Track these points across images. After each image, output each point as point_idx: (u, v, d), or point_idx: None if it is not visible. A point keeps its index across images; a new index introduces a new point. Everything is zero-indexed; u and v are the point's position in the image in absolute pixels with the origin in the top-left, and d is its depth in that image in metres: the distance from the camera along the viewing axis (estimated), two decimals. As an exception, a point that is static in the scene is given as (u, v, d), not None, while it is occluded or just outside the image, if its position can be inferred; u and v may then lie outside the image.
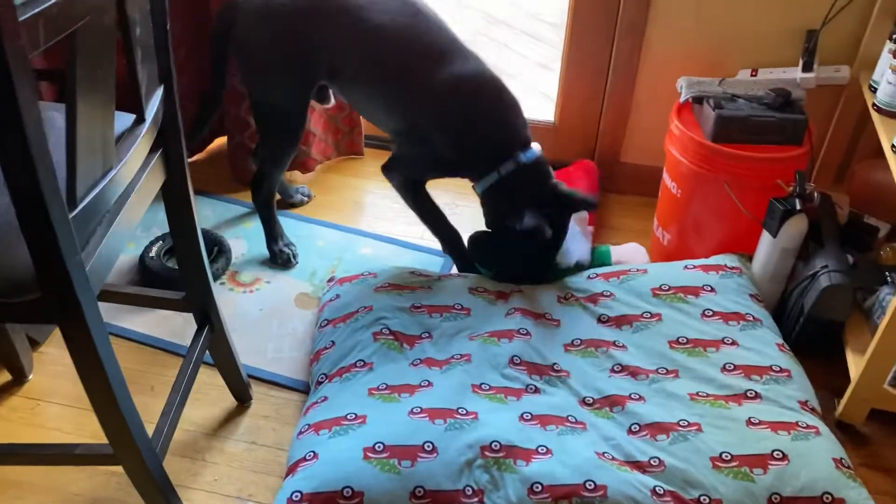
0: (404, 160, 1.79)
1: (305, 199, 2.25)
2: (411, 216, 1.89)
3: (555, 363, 1.58)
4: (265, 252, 2.02)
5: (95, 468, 1.47)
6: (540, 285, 1.79)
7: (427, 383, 1.51)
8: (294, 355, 1.74)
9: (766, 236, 1.74)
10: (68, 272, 0.89)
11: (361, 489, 1.30)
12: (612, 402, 1.50)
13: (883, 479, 1.52)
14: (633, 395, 1.51)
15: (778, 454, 1.37)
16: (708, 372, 1.55)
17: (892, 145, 1.55)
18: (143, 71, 1.05)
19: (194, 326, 1.45)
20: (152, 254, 1.92)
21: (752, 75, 1.97)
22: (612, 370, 1.57)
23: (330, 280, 1.89)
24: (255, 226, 2.06)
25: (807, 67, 1.87)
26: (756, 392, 1.50)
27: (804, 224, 1.69)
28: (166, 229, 2.04)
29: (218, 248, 1.97)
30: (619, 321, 1.68)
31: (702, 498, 1.33)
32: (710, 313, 1.67)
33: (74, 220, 0.90)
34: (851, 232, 1.85)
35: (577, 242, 1.93)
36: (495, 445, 1.37)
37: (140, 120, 1.09)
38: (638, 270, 1.80)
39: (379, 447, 1.35)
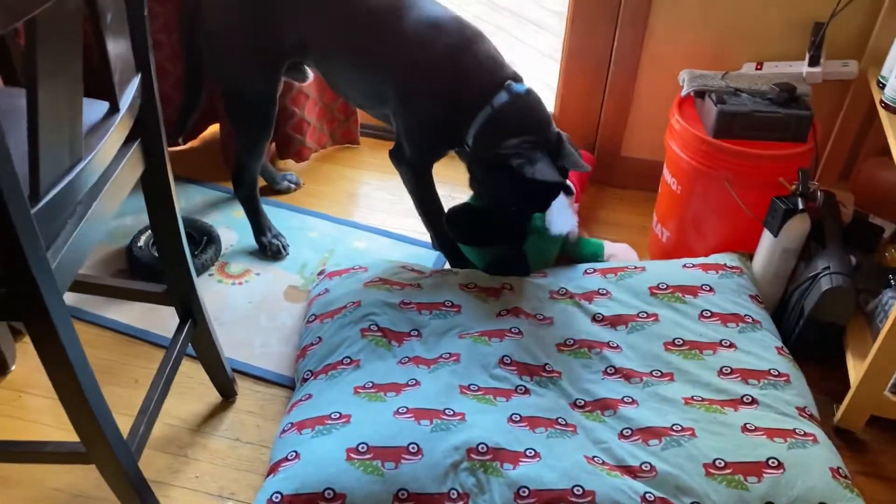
0: (404, 140, 1.71)
1: (293, 185, 2.21)
2: (407, 208, 1.85)
3: (546, 363, 1.54)
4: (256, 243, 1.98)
5: (75, 463, 1.44)
6: (533, 280, 1.75)
7: (414, 382, 1.47)
8: (282, 350, 1.70)
9: (767, 236, 1.69)
10: (31, 270, 0.86)
11: (343, 491, 1.27)
12: (603, 406, 1.47)
13: (881, 488, 1.48)
14: (625, 399, 1.48)
15: (773, 462, 1.33)
16: (704, 375, 1.51)
17: (900, 144, 1.50)
18: (116, 59, 1.01)
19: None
20: (140, 243, 1.89)
21: (756, 69, 1.91)
22: (605, 372, 1.53)
23: (320, 273, 1.85)
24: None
25: (813, 62, 1.81)
26: (753, 397, 1.46)
27: (806, 224, 1.64)
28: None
29: (207, 238, 1.94)
30: (615, 321, 1.64)
31: (693, 506, 1.30)
32: (709, 314, 1.63)
33: (38, 215, 0.87)
34: (856, 232, 1.80)
35: (562, 212, 1.84)
36: (482, 448, 1.33)
37: (114, 109, 1.05)
38: (636, 268, 1.76)
39: (362, 448, 1.31)
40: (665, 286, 1.69)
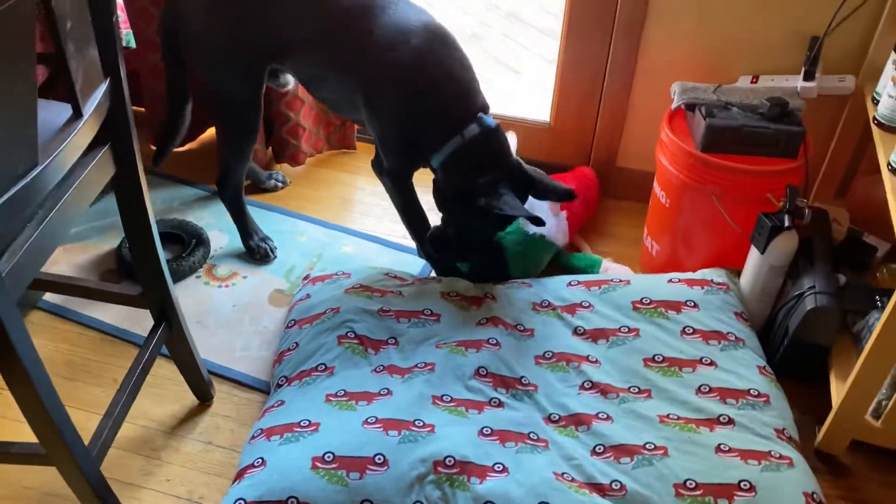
0: (380, 149, 1.70)
1: (280, 184, 2.21)
2: (398, 215, 1.84)
3: (523, 376, 1.53)
4: (245, 246, 1.99)
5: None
6: (517, 290, 1.73)
7: (386, 392, 1.46)
8: (262, 354, 1.70)
9: (754, 252, 1.66)
10: (-22, 274, 0.86)
11: (306, 500, 1.26)
12: (578, 421, 1.45)
13: (861, 515, 1.45)
14: (600, 415, 1.46)
15: (745, 485, 1.31)
16: (681, 393, 1.49)
17: (888, 163, 1.47)
18: (78, 65, 1.01)
19: (167, 319, 1.43)
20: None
21: (752, 82, 1.88)
22: (582, 387, 1.52)
23: (305, 278, 1.85)
24: (238, 218, 2.03)
25: (808, 76, 1.78)
26: (730, 417, 1.44)
27: (794, 241, 1.61)
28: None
29: (196, 241, 1.95)
30: (596, 335, 1.62)
31: (660, 527, 1.28)
32: (691, 331, 1.61)
33: (-13, 220, 0.87)
34: (848, 251, 1.77)
35: (558, 220, 1.90)
36: (449, 461, 1.32)
37: (77, 114, 1.05)
38: (621, 281, 1.74)
39: (328, 457, 1.31)
40: (648, 301, 1.66)
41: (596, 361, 1.57)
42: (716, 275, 1.73)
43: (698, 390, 1.49)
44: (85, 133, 1.07)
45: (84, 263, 1.92)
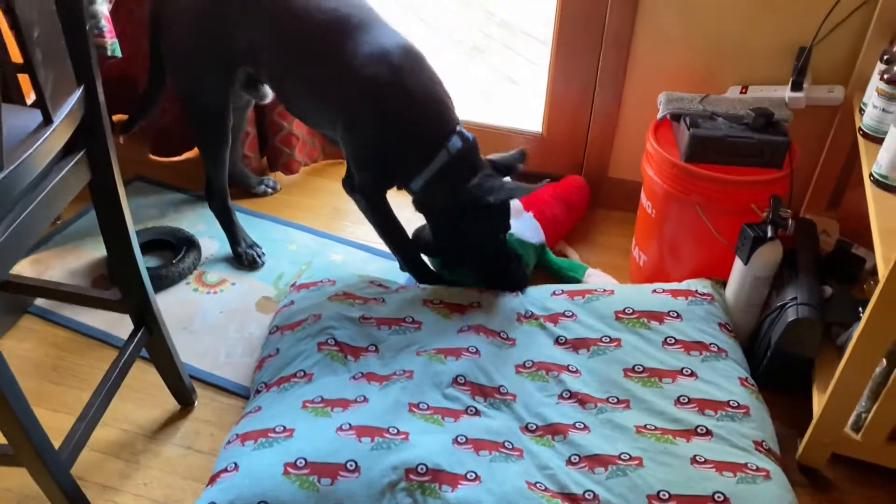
0: (354, 167, 1.71)
1: (270, 190, 2.25)
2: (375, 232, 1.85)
3: (501, 385, 1.53)
4: (236, 253, 2.01)
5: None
6: (502, 298, 1.73)
7: (363, 399, 1.47)
8: (245, 360, 1.72)
9: (738, 263, 1.65)
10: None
11: (277, 505, 1.27)
12: (554, 431, 1.44)
13: (841, 530, 1.43)
14: (577, 425, 1.45)
15: (719, 497, 1.30)
16: (660, 404, 1.48)
17: (871, 174, 1.46)
18: (48, 73, 1.04)
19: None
20: (120, 250, 1.92)
21: (742, 92, 1.88)
22: (561, 396, 1.51)
23: (292, 285, 1.86)
24: (229, 226, 2.05)
25: (796, 87, 1.77)
26: (707, 428, 1.42)
27: (778, 252, 1.60)
28: (142, 225, 2.06)
29: (187, 248, 1.97)
30: (577, 344, 1.62)
31: (630, 538, 1.27)
32: (672, 341, 1.60)
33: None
34: (836, 262, 1.75)
35: (524, 221, 1.92)
36: (421, 468, 1.32)
37: (47, 121, 1.07)
38: (605, 291, 1.74)
39: (300, 463, 1.31)
40: (631, 311, 1.66)
41: (576, 371, 1.56)
42: (700, 285, 1.72)
43: (677, 401, 1.48)
44: (55, 139, 1.09)
45: (77, 268, 1.94)
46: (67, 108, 1.11)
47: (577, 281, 1.92)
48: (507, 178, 1.70)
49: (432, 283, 1.80)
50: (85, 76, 1.15)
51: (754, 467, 1.35)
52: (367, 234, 2.12)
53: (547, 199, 2.04)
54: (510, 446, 1.41)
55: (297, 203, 2.24)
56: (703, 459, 1.36)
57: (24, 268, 1.93)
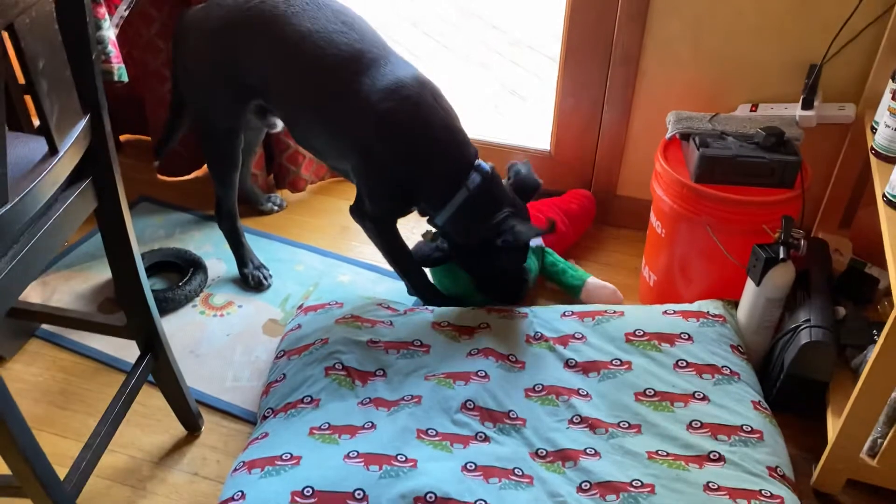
0: (366, 197, 1.70)
1: (276, 207, 2.25)
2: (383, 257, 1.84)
3: (511, 410, 1.51)
4: (243, 274, 2.00)
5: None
6: (512, 320, 1.71)
7: (370, 425, 1.45)
8: (252, 385, 1.70)
9: (750, 284, 1.63)
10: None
11: (284, 535, 1.25)
12: (564, 457, 1.42)
13: (858, 558, 1.41)
14: (588, 451, 1.43)
15: (734, 525, 1.27)
16: (672, 429, 1.46)
17: (884, 194, 1.44)
18: (54, 103, 1.03)
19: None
20: (127, 273, 1.92)
21: (752, 111, 1.86)
22: (571, 421, 1.49)
23: (299, 308, 1.85)
24: (237, 247, 2.04)
25: (807, 105, 1.75)
26: (720, 454, 1.40)
27: (790, 273, 1.58)
28: (148, 246, 2.05)
29: (193, 270, 1.96)
30: (587, 367, 1.60)
31: (642, 569, 1.24)
32: (684, 364, 1.58)
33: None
34: (850, 282, 1.73)
35: None
36: (430, 497, 1.30)
37: (53, 151, 1.06)
38: (615, 312, 1.72)
39: (308, 492, 1.30)
40: (642, 333, 1.64)
41: (586, 395, 1.54)
42: (712, 306, 1.70)
43: (689, 426, 1.46)
44: (61, 169, 1.08)
45: (84, 292, 1.94)
46: (73, 137, 1.10)
47: (578, 286, 1.91)
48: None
49: (441, 306, 1.79)
50: (91, 104, 1.14)
51: (768, 494, 1.33)
52: (375, 253, 2.09)
53: (545, 208, 2.04)
54: (520, 473, 1.39)
55: (304, 223, 2.24)
56: (716, 486, 1.34)
57: (30, 291, 1.93)
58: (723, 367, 1.57)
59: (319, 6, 1.63)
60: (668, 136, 1.78)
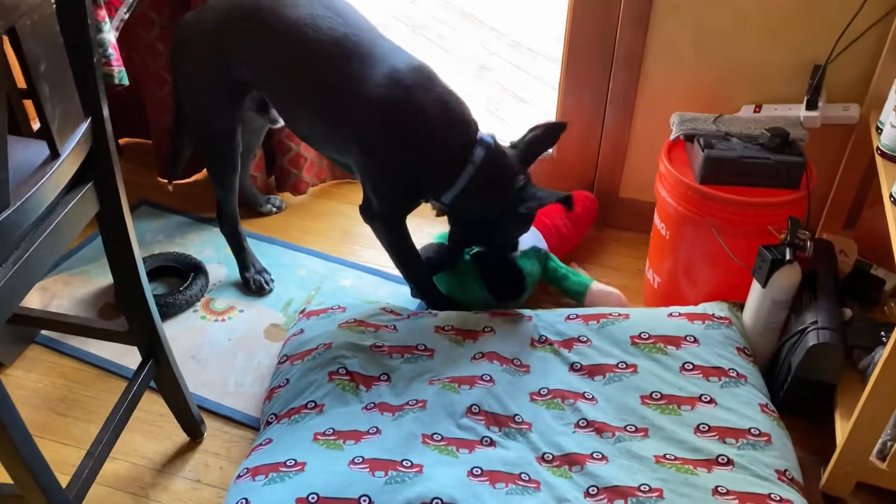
0: (372, 194, 1.68)
1: (275, 209, 2.25)
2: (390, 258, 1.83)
3: (516, 414, 1.49)
4: (244, 279, 1.98)
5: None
6: (516, 323, 1.70)
7: (375, 430, 1.44)
8: (254, 390, 1.69)
9: (755, 286, 1.62)
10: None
11: (289, 543, 1.24)
12: (571, 461, 1.41)
13: (869, 562, 1.39)
14: (595, 455, 1.42)
15: (743, 529, 1.26)
16: (679, 433, 1.44)
17: (891, 194, 1.43)
18: (55, 106, 1.02)
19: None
20: (127, 278, 1.90)
21: (755, 111, 1.85)
22: (577, 425, 1.48)
23: (301, 312, 1.83)
24: (238, 252, 2.03)
25: (811, 105, 1.75)
26: (729, 458, 1.39)
27: (796, 275, 1.57)
28: (149, 250, 2.04)
29: (194, 274, 1.94)
30: (593, 371, 1.59)
31: (652, 575, 1.23)
32: (690, 367, 1.56)
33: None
34: (856, 283, 1.72)
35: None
36: (436, 503, 1.29)
37: (54, 155, 1.05)
38: (620, 315, 1.70)
39: (312, 498, 1.28)
40: (647, 336, 1.63)
41: (592, 399, 1.53)
42: (718, 308, 1.69)
43: (697, 429, 1.45)
44: (63, 173, 1.07)
45: (84, 297, 1.92)
46: (75, 141, 1.09)
47: (582, 288, 1.90)
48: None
49: (445, 310, 1.77)
50: (93, 107, 1.13)
51: (778, 498, 1.32)
52: (377, 257, 2.10)
53: (548, 210, 2.03)
54: (527, 478, 1.37)
55: (306, 226, 2.22)
56: (725, 490, 1.33)
57: (29, 296, 1.91)
58: (729, 369, 1.55)
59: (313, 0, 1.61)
60: (672, 137, 1.77)
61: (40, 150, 1.06)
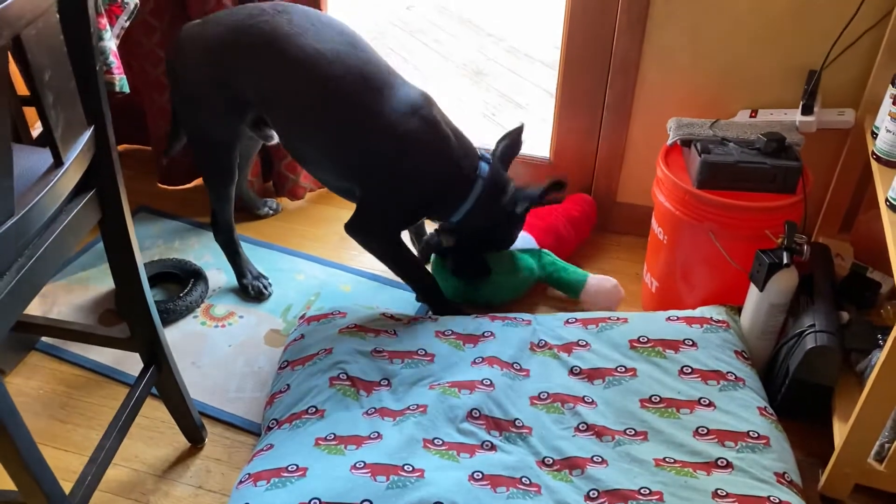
0: (376, 215, 1.71)
1: (271, 211, 2.28)
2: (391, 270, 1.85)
3: (517, 419, 1.50)
4: (244, 285, 1.99)
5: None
6: (515, 328, 1.71)
7: (377, 435, 1.44)
8: (255, 396, 1.69)
9: (753, 290, 1.63)
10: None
11: (291, 548, 1.24)
12: (571, 465, 1.42)
13: (867, 563, 1.40)
14: (595, 458, 1.42)
15: (743, 532, 1.27)
16: (678, 436, 1.45)
17: (887, 199, 1.44)
18: (59, 115, 1.02)
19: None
20: (127, 284, 1.91)
21: (751, 116, 1.87)
22: (577, 429, 1.49)
23: (301, 317, 1.84)
24: (237, 258, 2.03)
25: (806, 110, 1.76)
26: (728, 461, 1.40)
27: (794, 279, 1.58)
28: (148, 256, 2.04)
29: (194, 280, 1.95)
30: (592, 375, 1.59)
31: (653, 577, 1.24)
32: (689, 370, 1.57)
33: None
34: (852, 287, 1.73)
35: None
36: (438, 507, 1.29)
37: (58, 163, 1.06)
38: (618, 319, 1.71)
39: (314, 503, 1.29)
40: (646, 339, 1.64)
41: (592, 402, 1.54)
42: (715, 312, 1.70)
43: (696, 432, 1.46)
44: (66, 181, 1.07)
45: (84, 304, 1.93)
46: (78, 149, 1.09)
47: (580, 280, 1.92)
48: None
49: (450, 314, 1.79)
50: (95, 115, 1.14)
51: (777, 500, 1.32)
52: (376, 262, 2.09)
53: (546, 213, 2.06)
54: (528, 482, 1.38)
55: (304, 232, 2.23)
56: (724, 493, 1.34)
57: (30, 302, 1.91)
58: (728, 372, 1.56)
59: (323, 26, 1.64)
60: (669, 142, 1.78)
61: (44, 158, 1.07)
